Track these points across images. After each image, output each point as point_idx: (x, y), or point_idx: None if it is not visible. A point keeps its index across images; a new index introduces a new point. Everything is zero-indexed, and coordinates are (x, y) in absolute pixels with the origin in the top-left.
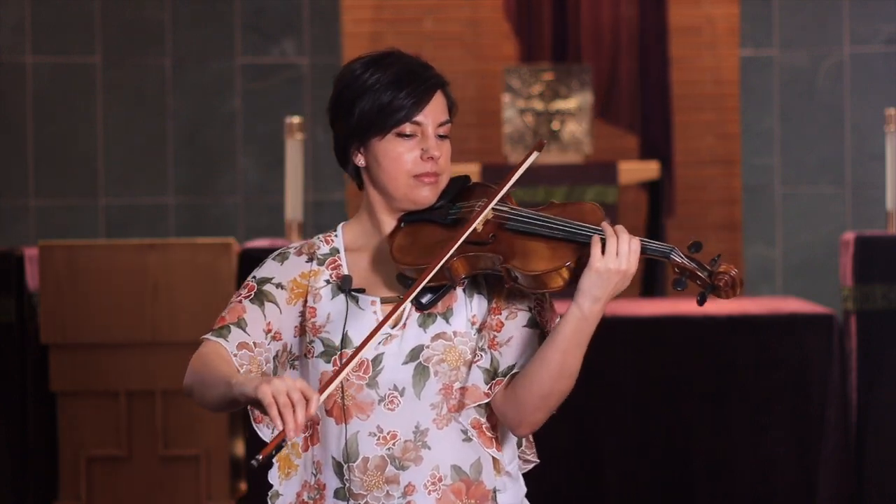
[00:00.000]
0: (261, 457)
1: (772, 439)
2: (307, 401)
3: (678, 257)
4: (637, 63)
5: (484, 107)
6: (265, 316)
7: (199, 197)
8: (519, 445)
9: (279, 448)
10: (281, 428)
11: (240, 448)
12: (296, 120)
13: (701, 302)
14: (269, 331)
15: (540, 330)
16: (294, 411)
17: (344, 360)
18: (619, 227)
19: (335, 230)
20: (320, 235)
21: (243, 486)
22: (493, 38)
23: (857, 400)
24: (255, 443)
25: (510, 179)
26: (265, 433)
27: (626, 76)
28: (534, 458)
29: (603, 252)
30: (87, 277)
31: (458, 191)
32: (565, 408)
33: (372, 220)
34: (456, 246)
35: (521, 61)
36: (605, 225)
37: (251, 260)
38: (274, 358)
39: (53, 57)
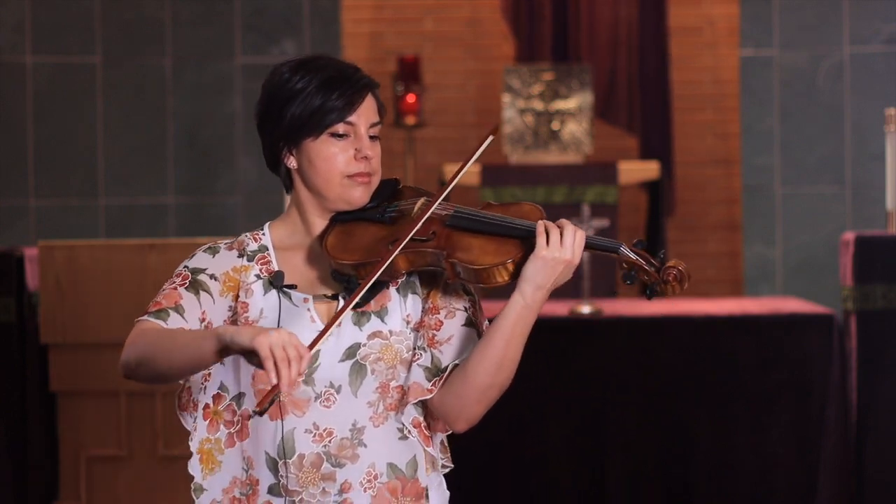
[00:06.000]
0: (258, 409)
1: (772, 439)
2: (300, 357)
3: (626, 252)
4: (637, 63)
5: (484, 107)
6: (200, 304)
7: (199, 197)
8: None
9: (273, 401)
10: (275, 381)
11: None
12: None
13: (650, 296)
14: (204, 320)
15: (476, 329)
16: (289, 365)
17: (328, 323)
18: (564, 221)
19: (262, 229)
20: (247, 233)
21: None
22: (493, 38)
23: (857, 400)
24: None
25: (462, 169)
26: (188, 421)
27: (625, 76)
28: (448, 463)
29: (548, 242)
30: (87, 277)
31: (390, 193)
32: (566, 406)
33: (302, 220)
34: (406, 240)
35: (519, 61)
36: (549, 222)
37: None
38: None
39: (53, 57)
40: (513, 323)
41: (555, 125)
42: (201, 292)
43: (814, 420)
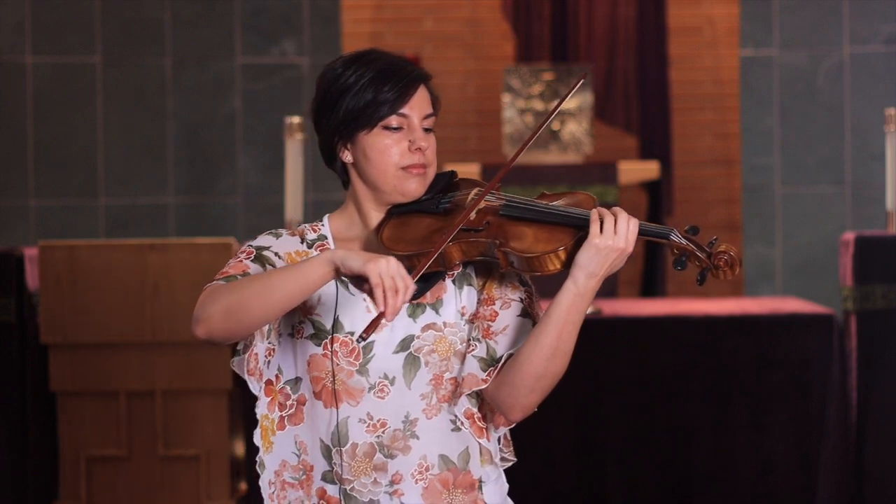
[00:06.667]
0: (364, 334)
1: (772, 439)
2: (406, 287)
3: (677, 238)
4: (636, 63)
5: (484, 107)
6: None
7: (199, 197)
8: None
9: (376, 328)
10: (382, 309)
11: (240, 448)
12: (296, 120)
13: (701, 281)
14: None
15: (532, 320)
16: (396, 294)
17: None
18: (618, 209)
19: (321, 220)
20: (307, 224)
21: (243, 486)
22: (493, 38)
23: (857, 400)
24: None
25: (529, 141)
26: (255, 386)
27: (625, 76)
28: (511, 457)
29: (602, 229)
30: (87, 277)
31: (445, 185)
32: (566, 407)
33: (360, 213)
34: (457, 230)
35: (519, 61)
36: (603, 209)
37: None
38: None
39: (53, 57)
40: (565, 311)
41: (555, 125)
42: (267, 266)
43: (814, 420)
